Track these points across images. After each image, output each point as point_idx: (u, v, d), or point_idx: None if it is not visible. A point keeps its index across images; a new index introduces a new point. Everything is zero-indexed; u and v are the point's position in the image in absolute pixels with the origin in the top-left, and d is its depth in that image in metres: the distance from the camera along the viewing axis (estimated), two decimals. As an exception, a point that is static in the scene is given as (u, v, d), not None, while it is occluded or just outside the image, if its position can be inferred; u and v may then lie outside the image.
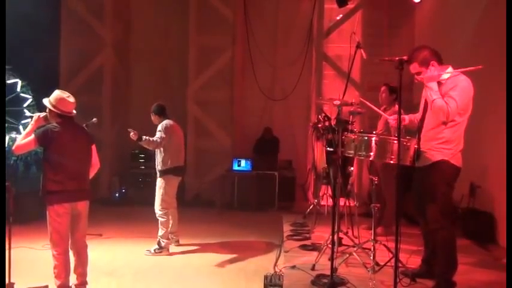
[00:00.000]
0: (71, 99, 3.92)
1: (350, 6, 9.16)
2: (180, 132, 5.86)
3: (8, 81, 32.64)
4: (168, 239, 5.61)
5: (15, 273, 3.97)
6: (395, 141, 3.35)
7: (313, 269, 4.07)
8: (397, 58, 3.39)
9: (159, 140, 5.49)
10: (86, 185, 3.92)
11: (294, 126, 9.87)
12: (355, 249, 4.17)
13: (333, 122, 4.95)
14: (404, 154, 3.45)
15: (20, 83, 33.18)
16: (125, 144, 9.72)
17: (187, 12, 9.43)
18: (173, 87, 9.73)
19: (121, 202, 9.03)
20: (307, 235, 5.47)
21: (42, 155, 3.75)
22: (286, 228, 5.98)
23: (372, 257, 3.85)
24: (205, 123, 9.34)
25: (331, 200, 6.17)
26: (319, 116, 5.49)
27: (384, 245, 4.05)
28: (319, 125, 5.51)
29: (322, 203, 6.45)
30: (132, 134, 5.44)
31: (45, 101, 3.88)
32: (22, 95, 34.33)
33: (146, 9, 10.01)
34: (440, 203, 3.52)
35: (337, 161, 4.15)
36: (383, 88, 6.01)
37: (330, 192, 6.10)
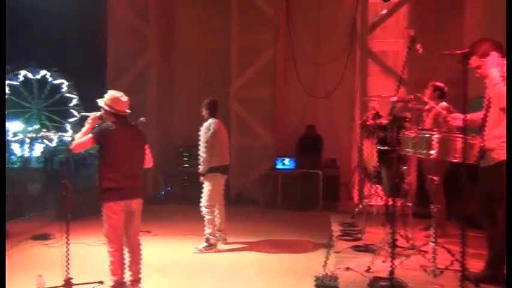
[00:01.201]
0: (124, 98, 3.97)
1: (395, 0, 8.90)
2: (225, 131, 5.84)
3: (55, 82, 33.76)
4: (215, 236, 5.61)
5: (71, 269, 4.05)
6: (459, 139, 3.17)
7: (368, 271, 3.93)
8: (458, 51, 3.22)
9: (207, 156, 5.49)
10: (139, 183, 3.96)
11: (337, 124, 9.68)
12: (412, 251, 4.00)
13: (385, 120, 4.80)
14: (469, 152, 3.26)
15: (65, 83, 34.19)
16: (169, 142, 9.88)
17: (229, 11, 9.44)
18: (216, 86, 9.74)
19: (166, 200, 9.15)
20: (358, 236, 5.32)
21: (98, 154, 3.81)
22: (335, 228, 5.85)
23: (432, 260, 3.67)
24: (247, 121, 9.31)
25: (380, 200, 6.03)
26: (368, 114, 5.31)
27: (445, 248, 3.85)
28: (368, 123, 5.34)
29: (371, 202, 6.25)
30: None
31: (100, 101, 3.95)
32: (67, 95, 35.40)
33: (189, 8, 10.09)
34: None
35: (395, 160, 3.97)
36: (429, 86, 5.76)
37: (380, 192, 5.89)
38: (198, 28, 9.95)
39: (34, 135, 34.62)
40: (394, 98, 3.96)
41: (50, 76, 32.70)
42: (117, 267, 3.80)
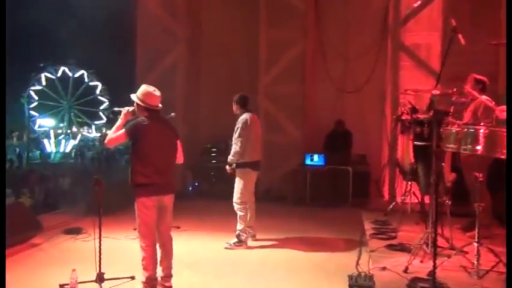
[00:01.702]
0: (157, 92, 3.93)
1: (429, -9, 8.60)
2: (259, 126, 5.75)
3: (91, 83, 34.48)
4: (246, 233, 5.54)
5: (102, 264, 4.02)
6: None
7: (405, 271, 3.78)
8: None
9: (239, 149, 5.41)
10: (172, 178, 3.91)
11: (367, 120, 9.44)
12: (454, 251, 3.82)
13: (422, 114, 4.62)
14: (518, 148, 3.07)
15: (100, 86, 34.97)
16: (197, 138, 9.88)
17: (257, 6, 9.33)
18: (243, 82, 9.67)
19: (194, 195, 9.16)
20: (393, 234, 5.15)
21: (131, 149, 3.78)
22: (368, 226, 5.69)
23: (476, 261, 3.49)
24: (276, 117, 9.19)
25: (415, 197, 5.83)
26: (403, 108, 5.13)
27: (489, 248, 3.66)
28: (404, 118, 5.15)
29: (405, 200, 6.05)
30: (228, 169, 5.54)
31: (133, 96, 3.92)
32: (100, 97, 36.18)
33: (217, 4, 10.04)
34: None
35: (433, 156, 3.80)
36: (469, 78, 5.51)
37: (414, 189, 5.69)
38: (226, 24, 9.89)
39: (65, 131, 35.57)
40: (437, 91, 3.78)
41: (87, 77, 33.48)
42: (149, 262, 3.77)
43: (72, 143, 35.28)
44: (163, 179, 3.80)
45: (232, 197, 5.66)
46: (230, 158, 5.50)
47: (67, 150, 34.08)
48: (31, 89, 32.94)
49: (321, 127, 9.40)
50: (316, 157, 8.56)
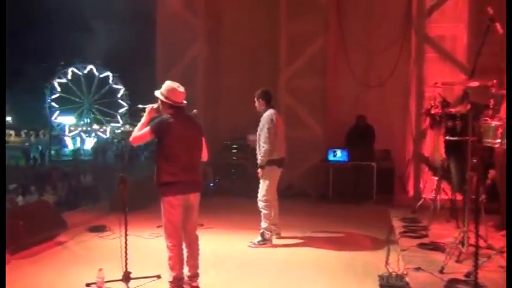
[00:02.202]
0: (181, 89, 3.85)
1: (454, -18, 8.33)
2: (281, 122, 5.63)
3: (101, 75, 34.90)
4: (270, 231, 5.44)
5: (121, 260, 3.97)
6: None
7: (441, 271, 3.62)
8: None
9: (269, 148, 5.26)
10: (198, 176, 3.83)
11: (390, 114, 9.24)
12: (494, 252, 3.64)
13: (455, 108, 4.44)
14: None
15: (111, 75, 35.34)
16: (217, 134, 9.80)
17: (277, 0, 9.18)
18: (264, 77, 9.54)
19: (215, 193, 9.08)
20: (424, 232, 4.97)
21: (156, 147, 3.71)
22: (396, 224, 5.52)
23: (518, 262, 3.31)
24: (297, 112, 9.03)
25: (445, 194, 5.63)
26: (433, 102, 4.94)
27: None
28: (434, 111, 4.96)
29: (433, 197, 5.86)
30: (258, 170, 5.38)
31: (157, 93, 3.84)
32: (114, 86, 36.56)
33: (236, -2, 9.94)
34: None
35: (467, 151, 3.62)
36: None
37: (444, 186, 5.50)
38: (246, 18, 9.76)
39: (85, 128, 36.06)
40: (475, 83, 3.59)
41: (96, 70, 33.83)
42: (176, 262, 3.70)
43: (92, 140, 35.77)
44: (189, 177, 3.72)
45: (252, 194, 5.55)
46: (261, 159, 5.32)
47: (87, 148, 34.58)
48: (56, 81, 33.46)
49: (343, 122, 9.22)
50: (339, 153, 8.39)
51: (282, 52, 9.17)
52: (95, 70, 33.49)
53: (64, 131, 35.12)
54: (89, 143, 35.53)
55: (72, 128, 36.02)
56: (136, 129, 3.78)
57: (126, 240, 4.01)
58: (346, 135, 9.00)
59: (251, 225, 5.95)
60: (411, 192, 8.57)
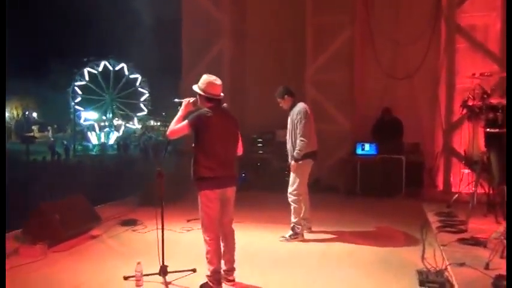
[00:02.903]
0: (218, 81, 3.82)
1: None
2: (312, 115, 5.56)
3: (131, 76, 35.52)
4: (301, 225, 5.40)
5: (155, 254, 3.98)
6: None
7: (487, 267, 3.51)
8: None
9: (306, 140, 5.19)
10: (234, 170, 3.81)
11: (419, 107, 9.06)
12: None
13: (496, 99, 4.29)
14: None
15: (140, 78, 35.99)
16: (243, 128, 9.74)
17: (302, -7, 9.07)
18: (289, 70, 9.48)
19: (241, 187, 9.04)
20: (462, 227, 4.84)
21: (194, 141, 3.69)
22: (433, 219, 5.41)
23: None
24: (323, 106, 8.93)
25: (482, 188, 5.48)
26: (472, 93, 4.79)
27: None
28: (472, 103, 4.81)
29: (468, 191, 5.72)
30: (292, 163, 5.28)
31: (194, 87, 3.82)
32: (140, 89, 37.24)
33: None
34: None
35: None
36: None
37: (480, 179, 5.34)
38: (271, 12, 9.68)
39: (108, 123, 36.63)
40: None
41: (127, 70, 34.26)
42: (213, 256, 3.69)
43: (116, 135, 36.31)
44: (226, 172, 3.70)
45: (278, 188, 5.50)
46: (297, 152, 5.24)
47: (111, 142, 35.12)
48: (75, 85, 34.08)
49: (370, 115, 9.07)
50: (367, 146, 8.28)
51: (308, 45, 9.09)
52: (108, 65, 33.95)
53: (94, 128, 35.79)
54: (113, 138, 36.13)
55: (101, 124, 36.64)
56: (173, 122, 3.76)
57: (162, 234, 4.02)
58: (372, 129, 8.86)
59: (280, 220, 5.93)
60: (440, 186, 8.41)
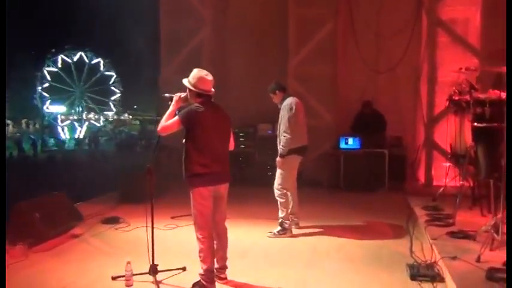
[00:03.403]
0: (210, 77, 3.80)
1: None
2: (303, 109, 5.59)
3: (92, 62, 34.47)
4: (289, 220, 5.45)
5: (145, 254, 3.94)
6: None
7: (478, 260, 3.65)
8: None
9: (289, 136, 5.22)
10: (227, 166, 3.80)
11: (401, 100, 9.23)
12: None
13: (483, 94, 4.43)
14: None
15: (102, 61, 35.02)
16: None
17: (284, -16, 9.08)
18: (271, 63, 9.50)
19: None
20: (450, 221, 4.99)
21: (186, 137, 3.66)
22: (420, 213, 5.55)
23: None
24: (306, 99, 8.84)
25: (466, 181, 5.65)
26: (459, 87, 4.93)
27: None
28: (457, 98, 4.96)
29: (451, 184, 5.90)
30: (277, 159, 5.33)
31: (185, 81, 3.79)
32: (106, 73, 36.30)
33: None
34: None
35: (496, 137, 3.63)
36: None
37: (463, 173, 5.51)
38: (252, 3, 9.64)
39: (77, 117, 35.78)
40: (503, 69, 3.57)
41: (103, 66, 33.35)
42: (207, 254, 3.68)
43: (84, 130, 35.52)
44: (220, 168, 3.70)
45: (260, 183, 5.51)
46: (282, 148, 5.28)
47: (81, 137, 34.33)
48: (46, 69, 32.99)
49: (353, 108, 9.19)
50: (351, 140, 8.40)
51: (290, 38, 9.10)
52: (84, 57, 33.08)
53: (59, 122, 34.79)
54: (81, 132, 35.35)
55: (63, 117, 35.73)
56: (163, 118, 3.73)
57: (152, 232, 3.99)
58: (352, 123, 8.95)
59: (265, 215, 6.00)
60: (422, 180, 8.63)
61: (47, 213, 4.91)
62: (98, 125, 36.72)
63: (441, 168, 7.43)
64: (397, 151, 8.46)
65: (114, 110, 35.48)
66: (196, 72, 3.78)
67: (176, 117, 3.63)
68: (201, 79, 3.73)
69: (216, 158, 3.65)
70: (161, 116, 3.82)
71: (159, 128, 3.69)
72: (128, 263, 3.86)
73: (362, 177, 8.21)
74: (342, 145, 8.44)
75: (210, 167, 3.60)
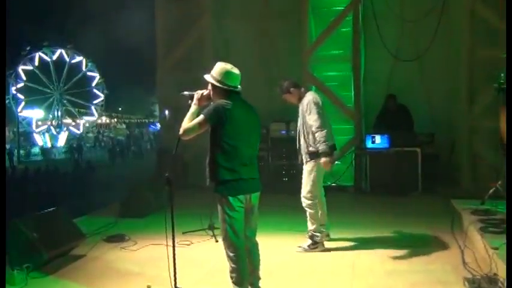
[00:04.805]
0: (236, 71, 3.67)
1: None
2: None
3: (88, 73, 34.22)
4: (320, 233, 5.30)
5: (160, 273, 3.81)
6: None
7: (554, 273, 3.52)
8: None
9: (323, 129, 5.06)
10: (257, 172, 3.67)
11: (431, 92, 9.15)
12: None
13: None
14: None
15: (84, 61, 34.73)
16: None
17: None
18: (279, 54, 9.43)
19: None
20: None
21: (212, 139, 3.53)
22: (471, 218, 5.43)
23: None
24: (325, 93, 8.89)
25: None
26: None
27: None
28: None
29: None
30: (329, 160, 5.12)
31: (207, 77, 3.66)
32: (89, 73, 35.96)
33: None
34: None
35: None
36: None
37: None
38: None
39: (55, 123, 35.43)
40: None
41: (85, 66, 32.92)
42: (241, 275, 3.54)
43: (64, 136, 35.14)
44: (250, 174, 3.56)
45: (277, 189, 5.35)
46: (323, 146, 5.04)
47: (61, 144, 34.01)
48: (21, 68, 32.49)
49: (375, 102, 9.09)
50: (378, 138, 8.27)
51: (303, 26, 9.00)
52: (65, 55, 32.80)
53: (34, 128, 34.41)
54: (61, 140, 35.02)
55: (39, 123, 35.37)
56: (185, 119, 3.59)
57: (174, 252, 3.84)
58: (376, 120, 8.84)
59: (288, 227, 5.93)
60: (461, 181, 8.50)
61: (46, 232, 4.78)
62: (78, 131, 36.39)
63: (484, 166, 7.39)
64: (429, 149, 8.36)
65: (96, 115, 35.12)
66: (221, 66, 3.65)
67: (201, 116, 3.49)
68: (227, 73, 3.61)
69: (245, 162, 3.52)
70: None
71: (180, 131, 3.55)
72: (148, 287, 3.73)
73: (392, 179, 8.08)
74: (369, 144, 8.32)
75: (239, 173, 3.47)
